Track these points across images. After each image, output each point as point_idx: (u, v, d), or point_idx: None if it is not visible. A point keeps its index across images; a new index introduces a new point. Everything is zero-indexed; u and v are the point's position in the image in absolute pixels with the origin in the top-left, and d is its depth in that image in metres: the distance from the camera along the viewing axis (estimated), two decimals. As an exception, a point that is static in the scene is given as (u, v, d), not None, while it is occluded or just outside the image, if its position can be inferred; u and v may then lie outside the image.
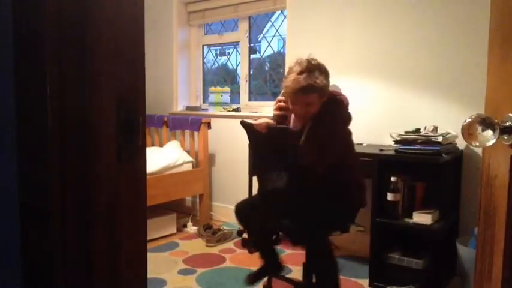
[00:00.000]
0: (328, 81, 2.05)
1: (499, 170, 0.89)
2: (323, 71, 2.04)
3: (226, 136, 3.90)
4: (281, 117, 2.17)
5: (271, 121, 2.19)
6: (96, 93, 0.64)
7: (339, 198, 2.09)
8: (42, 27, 0.60)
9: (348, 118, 2.12)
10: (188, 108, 4.28)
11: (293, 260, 2.98)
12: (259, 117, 2.48)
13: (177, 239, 3.43)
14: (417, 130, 2.60)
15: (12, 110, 0.63)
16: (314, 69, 2.02)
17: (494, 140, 0.84)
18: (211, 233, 3.35)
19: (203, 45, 4.38)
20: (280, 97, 2.17)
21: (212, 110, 4.07)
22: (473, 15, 2.62)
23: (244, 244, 3.22)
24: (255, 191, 3.17)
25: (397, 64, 2.94)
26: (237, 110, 3.93)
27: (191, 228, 3.60)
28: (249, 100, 4.04)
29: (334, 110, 2.07)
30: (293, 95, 2.03)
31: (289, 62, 3.36)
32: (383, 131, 2.91)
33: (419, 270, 2.48)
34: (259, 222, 2.22)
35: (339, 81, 3.16)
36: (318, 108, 2.04)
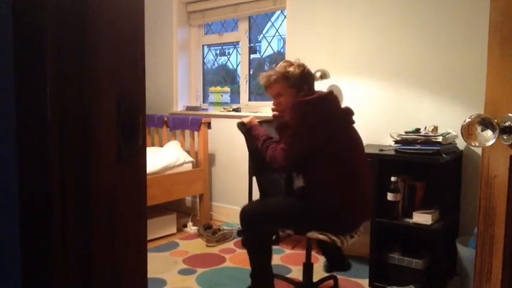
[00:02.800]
0: (301, 73, 2.12)
1: (498, 170, 0.89)
2: (296, 65, 2.13)
3: (226, 136, 3.90)
4: (279, 118, 2.20)
5: (255, 119, 2.36)
6: (96, 93, 0.64)
7: (297, 196, 2.15)
8: (42, 26, 0.60)
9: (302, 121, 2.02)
10: (188, 108, 4.28)
11: (293, 260, 2.99)
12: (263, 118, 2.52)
13: (177, 239, 3.43)
14: (417, 130, 2.60)
15: (12, 110, 0.63)
16: (282, 65, 2.16)
17: (493, 140, 0.84)
18: (211, 233, 3.35)
19: (203, 45, 4.38)
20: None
21: (212, 110, 4.07)
22: (473, 15, 2.62)
23: (244, 244, 3.23)
24: (255, 191, 3.18)
25: (397, 64, 2.94)
26: (237, 110, 3.93)
27: (191, 228, 3.60)
28: (249, 100, 4.04)
29: (290, 115, 2.06)
30: (265, 92, 2.24)
31: (264, 77, 3.37)
32: (383, 131, 2.91)
33: (419, 270, 2.48)
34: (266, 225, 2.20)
35: (338, 81, 3.17)
36: (291, 99, 2.08)
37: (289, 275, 2.71)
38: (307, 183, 2.10)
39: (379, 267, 2.59)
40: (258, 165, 2.32)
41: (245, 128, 2.33)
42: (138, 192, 0.72)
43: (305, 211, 2.04)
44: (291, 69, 2.12)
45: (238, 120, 2.38)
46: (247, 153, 3.23)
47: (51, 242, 0.61)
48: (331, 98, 2.14)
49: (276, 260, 3.00)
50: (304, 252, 2.33)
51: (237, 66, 4.19)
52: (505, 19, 0.87)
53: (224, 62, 4.38)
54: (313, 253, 2.40)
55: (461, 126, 0.87)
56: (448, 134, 2.54)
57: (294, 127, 2.01)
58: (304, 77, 2.13)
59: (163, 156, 3.58)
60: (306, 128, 2.00)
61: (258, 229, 2.15)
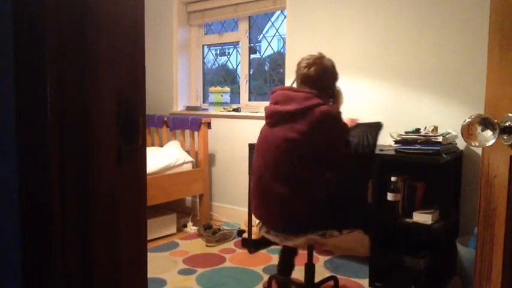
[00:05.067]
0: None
1: (498, 170, 0.89)
2: None
3: (226, 136, 3.90)
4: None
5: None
6: (96, 93, 0.64)
7: None
8: (42, 26, 0.60)
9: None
10: (188, 108, 4.28)
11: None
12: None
13: (177, 239, 3.43)
14: (417, 130, 2.60)
15: (12, 110, 0.63)
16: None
17: (493, 140, 0.84)
18: (211, 233, 3.35)
19: (203, 45, 4.38)
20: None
21: (212, 110, 4.07)
22: (473, 15, 2.62)
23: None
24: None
25: (397, 64, 2.94)
26: (237, 110, 3.93)
27: (191, 228, 3.60)
28: (249, 100, 4.04)
29: None
30: None
31: (289, 62, 3.37)
32: (383, 131, 2.90)
33: (419, 270, 2.48)
34: None
35: (339, 81, 3.16)
36: None
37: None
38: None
39: (379, 267, 2.59)
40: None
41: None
42: (138, 192, 0.72)
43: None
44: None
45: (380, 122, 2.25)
46: (247, 153, 3.24)
47: (51, 242, 0.61)
48: (273, 93, 2.09)
49: (276, 260, 2.99)
50: (304, 252, 2.32)
51: (237, 66, 4.19)
52: (505, 19, 0.87)
53: (224, 62, 4.38)
54: (315, 253, 2.40)
55: (461, 126, 0.87)
56: (448, 134, 2.54)
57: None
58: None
59: (163, 156, 3.58)
60: None
61: None
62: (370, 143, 2.11)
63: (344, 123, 2.08)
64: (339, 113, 2.01)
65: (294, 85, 2.19)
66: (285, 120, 1.96)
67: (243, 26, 4.01)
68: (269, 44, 3.95)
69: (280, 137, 1.96)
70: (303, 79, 2.05)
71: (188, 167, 3.73)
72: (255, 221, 2.33)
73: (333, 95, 2.12)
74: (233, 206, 3.86)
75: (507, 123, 0.84)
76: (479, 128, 0.85)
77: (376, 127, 2.19)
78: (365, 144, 2.11)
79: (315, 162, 1.94)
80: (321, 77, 2.03)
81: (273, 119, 2.03)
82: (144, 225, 0.75)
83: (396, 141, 2.58)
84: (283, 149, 1.95)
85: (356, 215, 2.07)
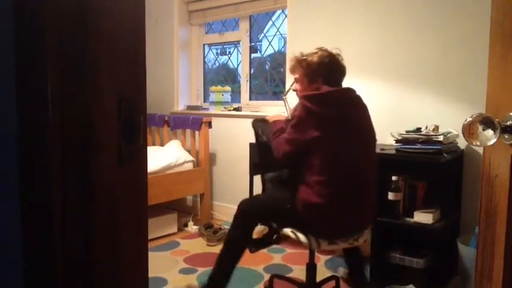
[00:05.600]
0: (319, 62, 2.08)
1: (499, 169, 0.89)
2: (320, 55, 2.10)
3: (227, 135, 3.90)
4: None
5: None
6: (97, 92, 0.64)
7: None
8: (43, 27, 0.60)
9: (300, 116, 1.98)
10: (189, 107, 4.28)
11: (294, 259, 2.99)
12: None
13: (178, 238, 3.43)
14: (418, 129, 2.60)
15: (13, 110, 0.63)
16: (311, 51, 2.13)
17: (495, 140, 0.84)
18: (212, 232, 3.35)
19: (204, 45, 4.38)
20: None
21: (213, 109, 4.07)
22: (474, 13, 2.62)
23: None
24: (256, 190, 3.18)
25: (398, 63, 2.94)
26: (237, 109, 3.93)
27: (192, 228, 3.60)
28: (250, 99, 4.04)
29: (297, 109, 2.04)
30: None
31: (290, 61, 3.37)
32: (384, 130, 2.90)
33: (420, 270, 2.48)
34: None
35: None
36: (302, 88, 2.10)
37: (290, 275, 2.71)
38: (295, 178, 2.06)
39: (379, 267, 2.58)
40: (265, 161, 2.32)
41: (261, 124, 2.31)
42: (139, 192, 0.72)
43: (288, 206, 2.01)
44: (311, 57, 2.07)
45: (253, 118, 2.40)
46: (248, 152, 3.24)
47: (52, 242, 0.61)
48: (337, 96, 2.05)
49: (277, 259, 3.00)
50: (305, 251, 2.32)
51: (237, 65, 4.19)
52: (506, 18, 0.87)
53: (225, 61, 4.38)
54: (316, 253, 2.40)
55: (463, 126, 0.87)
56: (449, 133, 2.53)
57: (295, 119, 1.98)
58: (321, 68, 2.06)
59: (164, 156, 3.58)
60: (302, 123, 1.95)
61: (250, 221, 2.12)
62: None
63: None
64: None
65: (294, 85, 2.20)
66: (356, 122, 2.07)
67: (244, 25, 4.01)
68: (270, 43, 3.95)
69: (365, 140, 2.08)
70: (337, 69, 2.16)
71: (189, 166, 3.73)
72: None
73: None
74: (234, 205, 3.83)
75: (508, 123, 0.84)
76: (480, 127, 0.84)
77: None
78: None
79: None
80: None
81: (353, 118, 2.07)
82: (145, 224, 0.75)
83: (397, 141, 2.58)
84: (372, 141, 2.13)
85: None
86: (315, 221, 1.95)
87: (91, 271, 0.65)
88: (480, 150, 2.48)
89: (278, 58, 3.93)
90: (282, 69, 3.77)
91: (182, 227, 3.66)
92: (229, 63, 4.33)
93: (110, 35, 0.65)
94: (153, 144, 4.19)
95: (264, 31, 4.04)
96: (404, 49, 2.91)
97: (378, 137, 2.16)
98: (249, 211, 2.14)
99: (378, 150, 2.60)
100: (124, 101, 0.67)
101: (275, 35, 3.92)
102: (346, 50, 3.18)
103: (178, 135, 4.04)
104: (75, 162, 0.63)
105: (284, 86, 3.52)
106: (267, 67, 4.09)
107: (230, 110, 3.94)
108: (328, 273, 2.64)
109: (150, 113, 4.14)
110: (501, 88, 0.88)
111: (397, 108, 2.95)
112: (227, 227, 3.55)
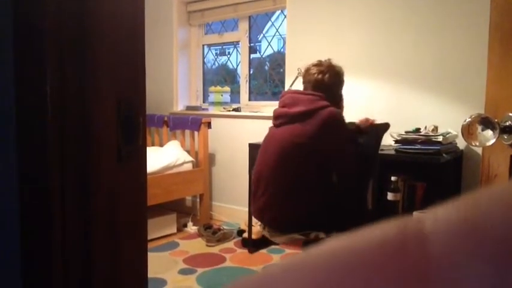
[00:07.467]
0: None
1: (499, 169, 0.89)
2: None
3: (226, 136, 3.90)
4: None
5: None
6: (96, 92, 0.64)
7: None
8: (43, 27, 0.60)
9: None
10: (188, 108, 4.28)
11: (293, 259, 2.98)
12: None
13: (177, 239, 3.43)
14: (417, 130, 2.60)
15: (13, 110, 0.63)
16: None
17: (494, 140, 0.84)
18: (212, 232, 3.35)
19: (203, 45, 4.38)
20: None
21: (212, 110, 4.07)
22: (473, 14, 2.62)
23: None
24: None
25: (397, 64, 2.94)
26: (237, 109, 3.93)
27: (191, 228, 3.60)
28: (249, 100, 4.04)
29: None
30: None
31: (289, 61, 3.37)
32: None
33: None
34: None
35: (339, 80, 3.16)
36: None
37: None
38: None
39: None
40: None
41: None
42: (139, 192, 0.72)
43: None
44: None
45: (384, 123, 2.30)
46: (247, 153, 3.24)
47: (51, 242, 0.61)
48: (282, 97, 2.15)
49: (276, 259, 3.00)
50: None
51: (237, 65, 4.19)
52: (505, 18, 0.87)
53: (224, 62, 4.38)
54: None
55: (462, 126, 0.87)
56: (448, 133, 2.53)
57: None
58: None
59: (163, 156, 3.58)
60: None
61: None
62: (373, 144, 2.15)
63: (347, 127, 2.11)
64: (343, 117, 2.07)
65: (294, 86, 2.22)
66: (293, 121, 2.01)
67: (243, 26, 4.01)
68: (269, 43, 3.95)
69: (287, 139, 1.99)
70: (316, 85, 2.10)
71: (188, 166, 3.72)
72: (255, 220, 2.33)
73: (338, 102, 2.17)
74: (233, 206, 3.86)
75: (507, 123, 0.84)
76: (479, 128, 0.85)
77: (384, 128, 2.23)
78: (369, 144, 2.14)
79: (321, 165, 1.97)
80: (333, 84, 2.14)
81: (280, 120, 2.07)
82: (144, 225, 0.75)
83: (396, 141, 2.58)
84: (287, 151, 1.98)
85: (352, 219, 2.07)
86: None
87: (91, 272, 0.65)
88: (479, 150, 2.49)
89: (277, 58, 3.93)
90: (281, 70, 3.77)
91: (181, 227, 3.66)
92: (229, 63, 4.34)
93: (110, 36, 0.65)
94: (153, 145, 4.18)
95: (263, 31, 4.04)
96: (403, 49, 2.91)
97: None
98: None
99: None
100: (123, 101, 0.67)
101: (274, 35, 3.93)
102: (345, 50, 3.19)
103: (178, 136, 4.04)
104: (75, 162, 0.63)
105: (283, 87, 3.52)
106: (266, 67, 4.09)
107: (229, 111, 3.94)
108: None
109: (150, 114, 4.14)
110: (500, 88, 0.88)
111: (396, 108, 2.95)
112: (226, 227, 3.56)
